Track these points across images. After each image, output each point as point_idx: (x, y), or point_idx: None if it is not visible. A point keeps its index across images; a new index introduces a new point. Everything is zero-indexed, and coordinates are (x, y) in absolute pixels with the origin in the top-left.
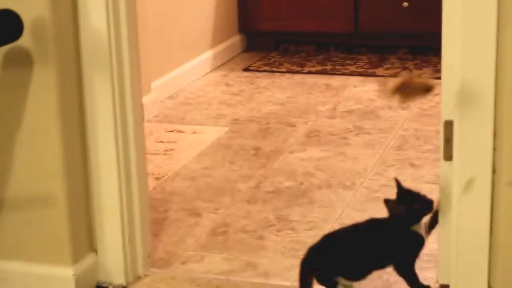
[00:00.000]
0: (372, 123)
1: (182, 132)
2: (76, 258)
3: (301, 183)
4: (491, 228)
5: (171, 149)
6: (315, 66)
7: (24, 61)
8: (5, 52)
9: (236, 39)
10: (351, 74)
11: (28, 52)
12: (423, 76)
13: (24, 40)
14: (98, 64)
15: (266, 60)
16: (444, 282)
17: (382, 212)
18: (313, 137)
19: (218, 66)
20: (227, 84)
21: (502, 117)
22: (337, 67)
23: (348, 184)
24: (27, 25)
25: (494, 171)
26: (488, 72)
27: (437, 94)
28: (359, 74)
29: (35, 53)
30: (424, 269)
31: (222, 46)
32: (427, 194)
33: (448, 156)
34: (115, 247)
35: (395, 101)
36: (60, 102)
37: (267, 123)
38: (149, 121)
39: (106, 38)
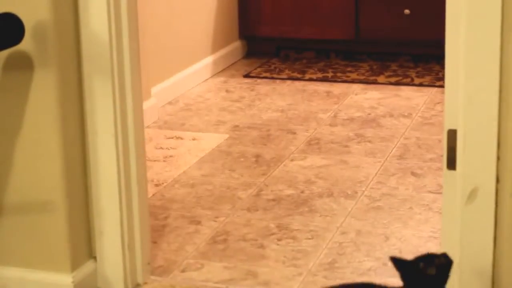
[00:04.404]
0: (373, 131)
1: (181, 138)
2: (75, 265)
3: (302, 191)
4: (495, 239)
5: (171, 156)
6: (316, 73)
7: (25, 65)
8: (6, 55)
9: (236, 45)
10: (352, 81)
11: (29, 56)
12: None
13: (25, 44)
14: (99, 68)
15: (266, 66)
16: None
17: (383, 221)
18: (314, 144)
19: (218, 72)
20: (227, 91)
21: (506, 126)
22: (338, 74)
23: (349, 192)
24: (28, 29)
25: (498, 180)
26: (492, 80)
27: (439, 103)
28: (361, 82)
29: (36, 57)
30: None
31: (222, 52)
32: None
33: (451, 166)
34: (114, 254)
35: None
36: (61, 106)
37: (268, 130)
38: (148, 127)
39: (107, 43)
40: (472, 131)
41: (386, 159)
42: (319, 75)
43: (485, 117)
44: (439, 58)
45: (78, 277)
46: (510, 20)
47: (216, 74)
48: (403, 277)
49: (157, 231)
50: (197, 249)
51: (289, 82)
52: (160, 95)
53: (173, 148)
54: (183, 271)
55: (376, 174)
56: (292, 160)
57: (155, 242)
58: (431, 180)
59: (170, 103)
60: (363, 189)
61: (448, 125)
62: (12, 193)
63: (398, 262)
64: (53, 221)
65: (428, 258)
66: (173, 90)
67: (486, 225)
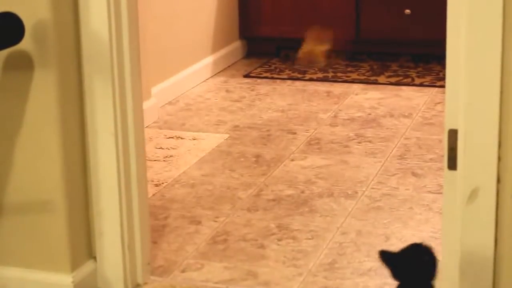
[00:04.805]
0: (374, 131)
1: (182, 138)
2: (74, 265)
3: (302, 192)
4: (495, 239)
5: (171, 156)
6: (316, 73)
7: (25, 64)
8: (6, 55)
9: (236, 45)
10: (353, 81)
11: (29, 55)
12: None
13: (25, 44)
14: (99, 68)
15: (266, 66)
16: None
17: (383, 222)
18: (314, 145)
19: (218, 72)
20: (228, 91)
21: (507, 126)
22: (339, 74)
23: (349, 192)
24: (28, 28)
25: (498, 180)
26: (493, 80)
27: (440, 103)
28: (361, 82)
29: (36, 57)
30: None
31: (222, 52)
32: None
33: (452, 166)
34: (114, 254)
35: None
36: (61, 106)
37: (268, 130)
38: (148, 127)
39: (107, 43)
40: (473, 131)
41: (387, 159)
42: (320, 75)
43: (486, 117)
44: (439, 58)
45: (78, 277)
46: (511, 20)
47: (216, 74)
48: (395, 275)
49: (157, 231)
50: (197, 249)
51: (289, 82)
52: (160, 95)
53: (173, 148)
54: (183, 271)
55: (376, 174)
56: (292, 160)
57: (155, 242)
58: (432, 180)
59: (170, 103)
60: (364, 189)
61: (449, 125)
62: (12, 193)
63: (386, 256)
64: (53, 221)
65: (415, 249)
66: (173, 90)
67: (486, 226)
